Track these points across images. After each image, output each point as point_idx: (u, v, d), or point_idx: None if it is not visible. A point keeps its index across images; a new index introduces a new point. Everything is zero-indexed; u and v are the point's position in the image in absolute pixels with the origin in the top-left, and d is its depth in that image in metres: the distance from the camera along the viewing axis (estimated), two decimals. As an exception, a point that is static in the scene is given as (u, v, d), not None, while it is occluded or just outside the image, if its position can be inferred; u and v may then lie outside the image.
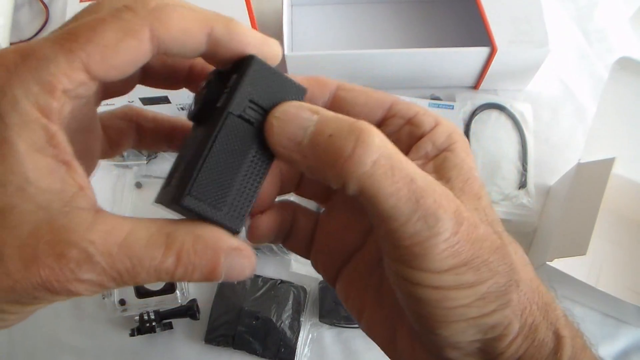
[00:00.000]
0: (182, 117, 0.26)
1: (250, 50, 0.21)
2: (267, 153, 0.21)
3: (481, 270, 0.20)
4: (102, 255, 0.18)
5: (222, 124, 0.20)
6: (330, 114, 0.20)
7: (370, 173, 0.19)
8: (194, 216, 0.20)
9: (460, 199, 0.21)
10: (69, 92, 0.18)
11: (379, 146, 0.19)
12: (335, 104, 0.24)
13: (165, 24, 0.19)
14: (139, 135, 0.27)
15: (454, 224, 0.19)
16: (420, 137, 0.24)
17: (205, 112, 0.22)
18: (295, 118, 0.20)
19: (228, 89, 0.21)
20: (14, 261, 0.17)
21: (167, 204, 0.21)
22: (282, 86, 0.21)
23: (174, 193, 0.20)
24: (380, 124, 0.24)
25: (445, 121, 0.24)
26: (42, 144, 0.18)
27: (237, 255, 0.20)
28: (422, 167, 0.22)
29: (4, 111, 0.17)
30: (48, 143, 0.18)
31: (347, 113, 0.22)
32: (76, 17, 0.20)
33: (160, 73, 0.24)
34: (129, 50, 0.18)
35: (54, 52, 0.18)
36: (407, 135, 0.24)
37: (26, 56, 0.18)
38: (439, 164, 0.23)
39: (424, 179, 0.19)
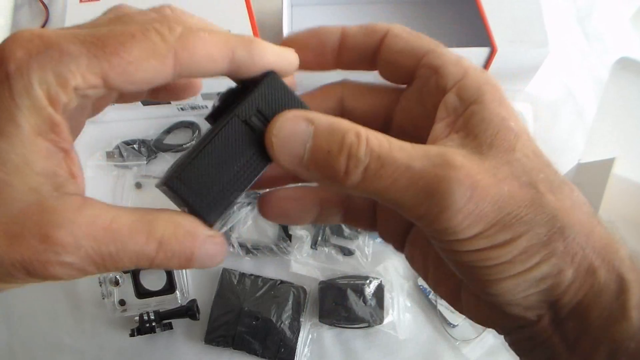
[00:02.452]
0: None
1: (270, 67, 0.23)
2: (261, 161, 0.22)
3: (514, 226, 0.20)
4: (87, 238, 0.18)
5: (226, 124, 0.22)
6: (324, 122, 0.21)
7: (363, 178, 0.20)
8: (180, 201, 0.21)
9: (489, 154, 0.21)
10: (79, 91, 0.19)
11: (366, 154, 0.20)
12: (380, 50, 0.25)
13: (189, 52, 0.20)
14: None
15: (465, 191, 0.19)
16: (446, 90, 0.23)
17: (219, 115, 0.24)
18: (293, 134, 0.21)
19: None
20: None
21: (159, 184, 0.22)
22: (289, 103, 0.23)
23: (165, 176, 0.22)
24: (413, 76, 0.25)
25: (476, 71, 0.23)
26: (45, 129, 0.19)
27: (210, 242, 0.21)
28: (452, 124, 0.22)
29: (17, 93, 0.18)
30: (51, 130, 0.19)
31: (386, 61, 0.25)
32: (107, 21, 0.21)
33: (172, 89, 0.26)
34: (150, 70, 0.20)
35: (79, 52, 0.19)
36: (435, 88, 0.24)
37: (50, 45, 0.19)
38: (467, 120, 0.22)
39: (422, 160, 0.20)
